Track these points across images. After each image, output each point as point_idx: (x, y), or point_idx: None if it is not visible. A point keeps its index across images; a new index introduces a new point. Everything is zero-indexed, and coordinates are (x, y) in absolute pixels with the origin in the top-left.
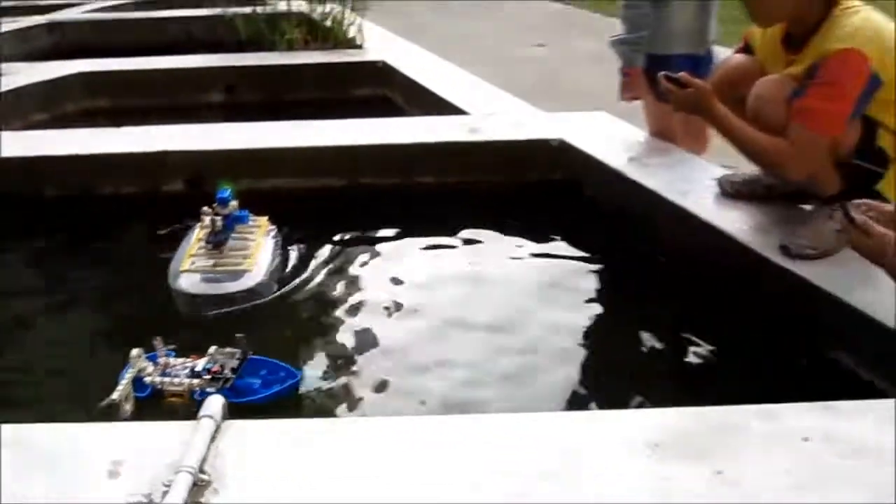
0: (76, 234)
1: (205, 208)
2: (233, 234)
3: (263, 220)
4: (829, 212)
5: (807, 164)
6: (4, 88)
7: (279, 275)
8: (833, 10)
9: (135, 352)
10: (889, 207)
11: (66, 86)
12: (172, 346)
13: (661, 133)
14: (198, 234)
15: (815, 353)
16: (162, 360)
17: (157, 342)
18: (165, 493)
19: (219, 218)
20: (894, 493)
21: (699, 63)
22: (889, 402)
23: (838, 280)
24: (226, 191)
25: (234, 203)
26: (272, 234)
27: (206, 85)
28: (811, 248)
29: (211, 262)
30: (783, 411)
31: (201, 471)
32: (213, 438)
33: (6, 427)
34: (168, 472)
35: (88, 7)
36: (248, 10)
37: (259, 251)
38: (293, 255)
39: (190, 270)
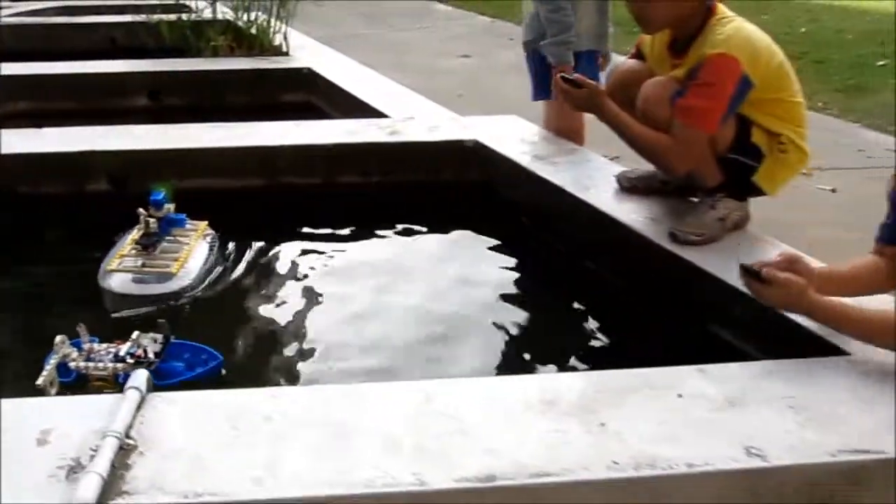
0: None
1: (140, 210)
2: (167, 237)
3: (202, 224)
4: (711, 202)
5: (688, 157)
6: None
7: (211, 278)
8: (710, 20)
9: (58, 338)
10: (777, 257)
11: None
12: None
13: (565, 132)
14: (133, 236)
15: (698, 326)
16: (86, 346)
17: (81, 329)
18: (93, 456)
19: (152, 220)
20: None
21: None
22: (754, 363)
23: (718, 262)
24: (159, 193)
25: (169, 206)
26: (209, 238)
27: (131, 89)
28: (696, 234)
29: (139, 262)
30: (662, 373)
31: (127, 436)
32: (138, 408)
33: None
34: (95, 439)
35: (7, 12)
36: (173, 16)
37: (191, 255)
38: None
39: (118, 270)
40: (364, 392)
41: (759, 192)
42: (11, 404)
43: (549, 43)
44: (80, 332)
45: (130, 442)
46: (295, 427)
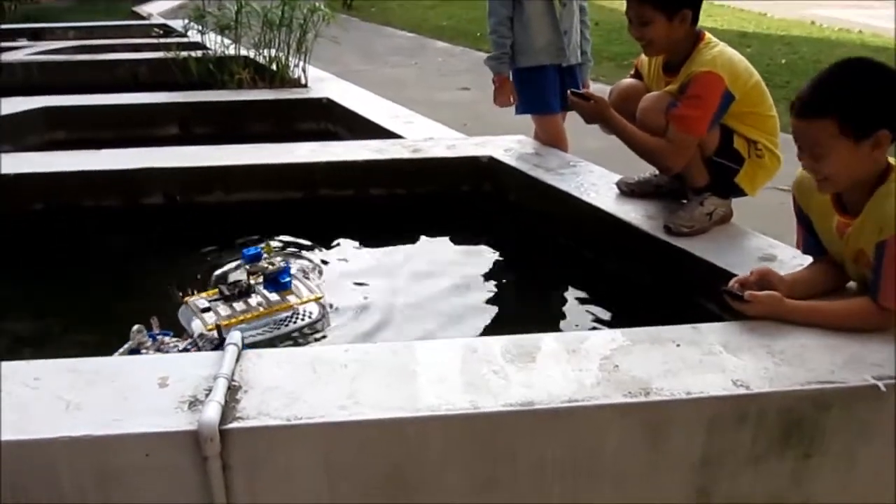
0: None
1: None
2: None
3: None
4: (700, 200)
5: (681, 158)
6: None
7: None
8: (698, 45)
9: (136, 327)
10: (755, 271)
11: (29, 119)
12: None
13: (551, 142)
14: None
15: (689, 300)
16: (159, 338)
17: (154, 321)
18: (208, 393)
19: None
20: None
21: (564, 72)
22: (738, 322)
23: (706, 249)
24: (254, 248)
25: (273, 262)
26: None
27: (162, 120)
28: (686, 226)
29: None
30: (662, 330)
31: (232, 379)
32: (237, 360)
33: (60, 361)
34: (206, 382)
35: (31, 50)
36: (198, 52)
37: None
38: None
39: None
40: (419, 346)
41: (740, 191)
42: (127, 360)
43: (488, 58)
44: (153, 324)
45: (235, 383)
46: (366, 370)
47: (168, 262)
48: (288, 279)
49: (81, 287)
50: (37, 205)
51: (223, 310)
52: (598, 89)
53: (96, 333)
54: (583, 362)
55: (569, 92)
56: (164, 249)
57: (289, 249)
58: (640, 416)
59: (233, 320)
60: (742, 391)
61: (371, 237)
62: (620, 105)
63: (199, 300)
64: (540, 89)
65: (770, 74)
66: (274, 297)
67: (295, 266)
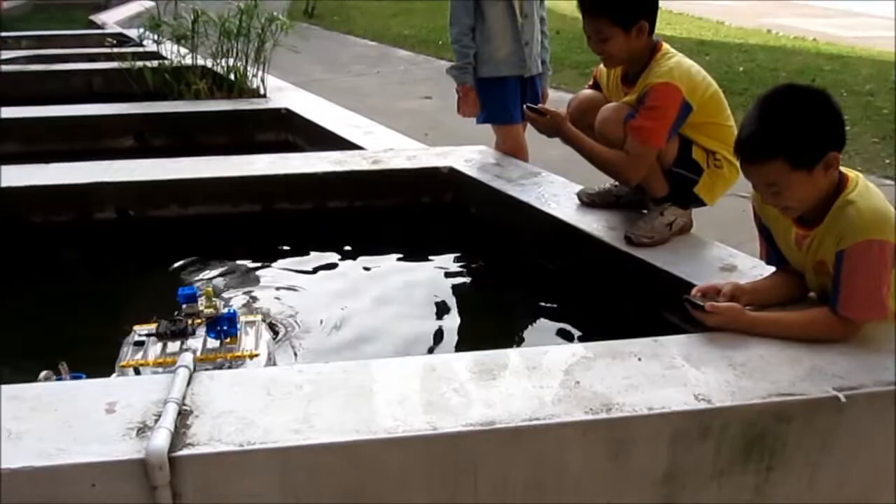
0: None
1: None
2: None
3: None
4: (660, 210)
5: (639, 169)
6: None
7: None
8: (656, 55)
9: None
10: (721, 285)
11: None
12: None
13: (511, 151)
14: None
15: (650, 311)
16: None
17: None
18: (157, 418)
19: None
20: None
21: (526, 82)
22: (699, 334)
23: (666, 259)
24: (189, 288)
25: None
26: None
27: (117, 131)
28: (647, 237)
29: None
30: (623, 343)
31: (183, 404)
32: (188, 383)
33: (2, 387)
34: (156, 407)
35: None
36: (154, 62)
37: None
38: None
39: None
40: (377, 365)
41: (699, 201)
42: (78, 384)
43: (451, 67)
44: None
45: (186, 408)
46: (322, 392)
47: (119, 280)
48: (234, 327)
49: (26, 308)
50: None
51: (152, 349)
52: (560, 97)
53: (38, 357)
54: (544, 378)
55: (525, 107)
56: (116, 267)
57: (236, 292)
58: (603, 433)
59: (155, 361)
60: (704, 405)
61: (329, 251)
62: (579, 117)
63: (141, 330)
64: (501, 100)
65: (728, 82)
66: (213, 343)
67: (241, 312)
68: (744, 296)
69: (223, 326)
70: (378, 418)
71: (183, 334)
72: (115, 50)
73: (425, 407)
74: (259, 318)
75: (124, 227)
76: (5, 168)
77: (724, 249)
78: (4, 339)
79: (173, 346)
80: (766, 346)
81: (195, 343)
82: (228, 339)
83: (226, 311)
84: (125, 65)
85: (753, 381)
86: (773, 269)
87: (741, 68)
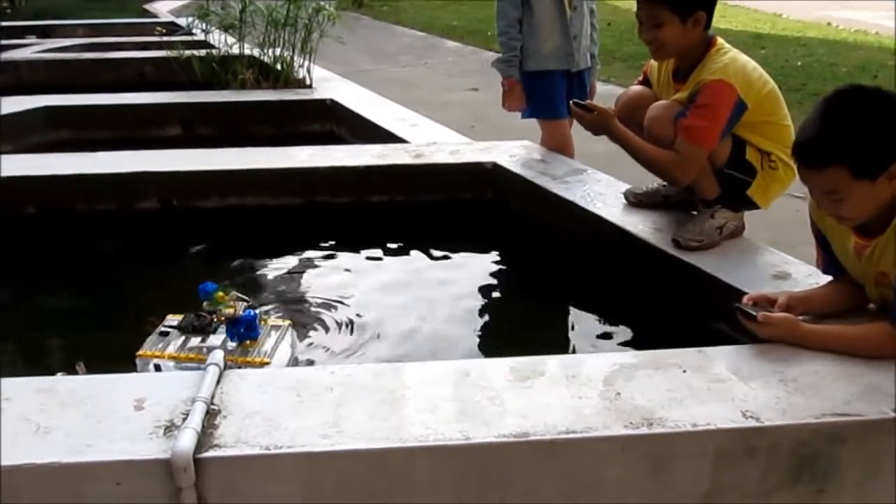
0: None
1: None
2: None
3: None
4: (710, 213)
5: (690, 170)
6: None
7: None
8: (710, 50)
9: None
10: (774, 294)
11: (32, 119)
12: None
13: (556, 147)
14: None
15: (698, 320)
16: None
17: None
18: (185, 417)
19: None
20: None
21: (573, 76)
22: (748, 346)
23: (717, 264)
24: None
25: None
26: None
27: (165, 120)
28: (696, 240)
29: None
30: (667, 354)
31: (211, 403)
32: (218, 381)
33: (34, 379)
34: (184, 405)
35: (39, 48)
36: (202, 51)
37: None
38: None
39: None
40: (409, 368)
41: (752, 204)
42: (108, 379)
43: (496, 60)
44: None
45: (214, 407)
46: (352, 395)
47: (157, 271)
48: (255, 331)
49: (70, 295)
50: (29, 208)
51: (173, 342)
52: (609, 91)
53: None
54: (583, 388)
55: (571, 103)
56: (156, 256)
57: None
58: (642, 449)
59: (170, 355)
60: (752, 423)
61: (368, 247)
62: (627, 114)
63: (171, 320)
64: (547, 94)
65: (785, 77)
66: (232, 345)
67: (270, 314)
68: (798, 305)
69: (241, 329)
70: (408, 425)
71: (204, 331)
72: (165, 39)
73: (458, 415)
74: (287, 323)
75: (167, 217)
76: (51, 156)
77: (778, 255)
78: (44, 328)
79: (194, 341)
80: (821, 361)
81: (216, 340)
82: (248, 342)
83: (245, 313)
84: (173, 54)
85: (806, 399)
86: (829, 277)
87: (799, 63)
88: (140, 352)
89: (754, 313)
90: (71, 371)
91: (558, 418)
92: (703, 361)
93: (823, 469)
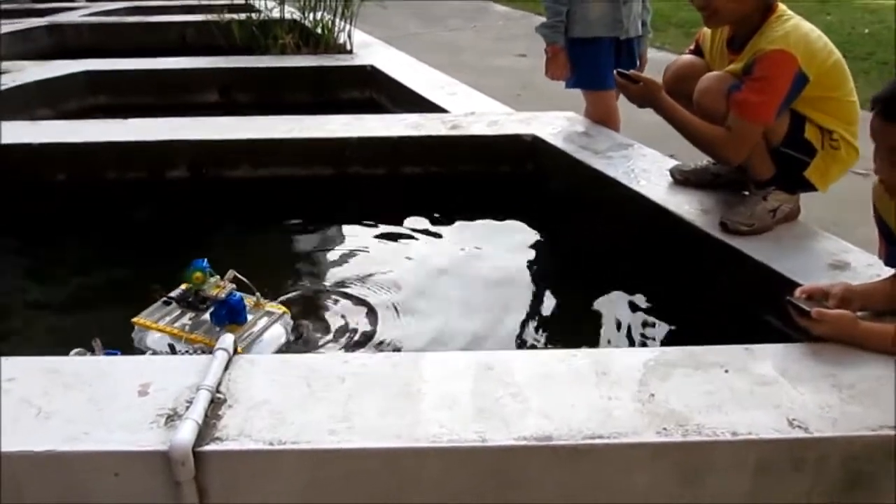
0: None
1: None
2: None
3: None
4: (763, 194)
5: (742, 149)
6: (11, 85)
7: None
8: (769, 17)
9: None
10: (830, 287)
11: (71, 83)
12: None
13: (600, 119)
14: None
15: (745, 311)
16: None
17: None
18: (188, 406)
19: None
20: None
21: (622, 44)
22: (798, 344)
23: (768, 251)
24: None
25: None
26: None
27: (203, 85)
28: (745, 224)
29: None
30: (709, 351)
31: (217, 391)
32: (226, 367)
33: (40, 359)
34: (189, 393)
35: (85, 11)
36: (242, 15)
37: None
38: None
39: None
40: (428, 359)
41: (809, 186)
42: (117, 360)
43: (541, 25)
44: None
45: (220, 396)
46: (364, 387)
47: (185, 241)
48: (240, 315)
49: (93, 263)
50: (59, 176)
51: (169, 315)
52: (662, 59)
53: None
54: (613, 388)
55: (615, 73)
56: (184, 226)
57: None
58: (676, 458)
59: (157, 326)
60: (799, 434)
61: (398, 222)
62: (675, 86)
63: (176, 291)
64: (594, 63)
65: (851, 45)
66: (217, 328)
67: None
68: (856, 300)
69: (222, 312)
70: (423, 423)
71: (197, 308)
72: (208, 2)
73: (476, 413)
74: (282, 310)
75: (196, 186)
76: (82, 123)
77: (836, 242)
78: (67, 299)
79: (184, 317)
80: (881, 365)
81: (204, 320)
82: (235, 327)
83: (231, 296)
84: (213, 17)
85: (862, 408)
86: (892, 270)
87: (866, 30)
88: (135, 318)
89: (807, 308)
90: (87, 349)
91: (584, 420)
92: (747, 360)
93: (878, 487)
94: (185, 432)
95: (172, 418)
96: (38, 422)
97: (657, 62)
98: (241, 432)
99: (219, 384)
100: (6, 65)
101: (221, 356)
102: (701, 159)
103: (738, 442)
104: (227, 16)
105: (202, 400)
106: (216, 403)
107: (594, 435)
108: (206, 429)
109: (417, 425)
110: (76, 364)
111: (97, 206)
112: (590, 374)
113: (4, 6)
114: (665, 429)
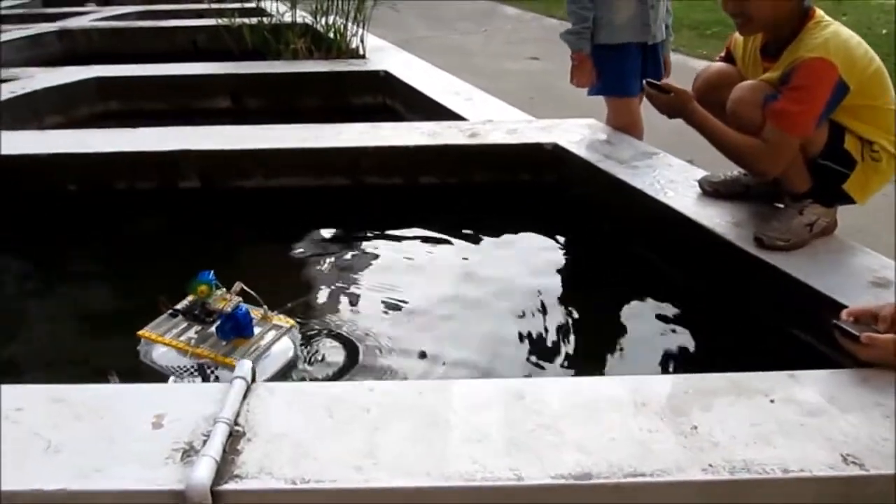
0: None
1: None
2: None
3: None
4: (799, 208)
5: (779, 161)
6: (21, 92)
7: None
8: (807, 23)
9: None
10: (879, 309)
11: (82, 90)
12: None
13: (623, 127)
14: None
15: (782, 330)
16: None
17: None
18: (205, 441)
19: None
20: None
21: (647, 50)
22: (845, 371)
23: (806, 267)
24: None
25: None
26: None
27: (214, 91)
28: (782, 239)
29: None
30: (751, 377)
31: (235, 423)
32: (244, 397)
33: (49, 387)
34: (206, 425)
35: (96, 16)
36: (253, 20)
37: None
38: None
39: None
40: (455, 387)
41: (848, 199)
42: (125, 389)
43: (565, 32)
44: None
45: (238, 428)
46: (391, 417)
47: (197, 252)
48: (246, 329)
49: (104, 275)
50: (70, 186)
51: (175, 328)
52: (677, 62)
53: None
54: (653, 420)
55: (644, 83)
56: (195, 238)
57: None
58: (722, 496)
59: (160, 338)
60: (854, 471)
61: (416, 233)
62: (707, 95)
63: (183, 303)
64: (619, 69)
65: (869, 46)
66: (223, 343)
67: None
68: None
69: (227, 326)
70: (453, 458)
71: (203, 321)
72: (219, 6)
73: (508, 447)
74: (290, 324)
75: (207, 197)
76: (91, 132)
77: (876, 258)
78: (79, 314)
79: (190, 330)
80: None
81: (209, 333)
82: (240, 341)
83: (237, 310)
84: (223, 22)
85: None
86: None
87: (884, 31)
88: (141, 331)
89: (856, 332)
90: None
91: (625, 456)
92: (792, 388)
93: None
94: (203, 470)
95: (189, 453)
96: (48, 456)
97: (673, 65)
98: (261, 469)
99: (236, 416)
100: (16, 71)
101: (239, 385)
102: (731, 170)
103: (789, 480)
104: (239, 20)
105: (220, 434)
106: (234, 437)
107: (636, 472)
108: (225, 465)
109: (447, 461)
110: (87, 393)
111: (107, 217)
112: (627, 403)
113: (15, 11)
114: (711, 465)
